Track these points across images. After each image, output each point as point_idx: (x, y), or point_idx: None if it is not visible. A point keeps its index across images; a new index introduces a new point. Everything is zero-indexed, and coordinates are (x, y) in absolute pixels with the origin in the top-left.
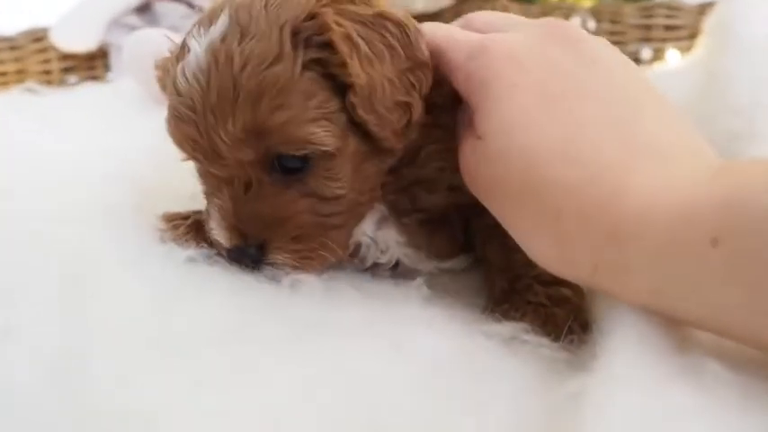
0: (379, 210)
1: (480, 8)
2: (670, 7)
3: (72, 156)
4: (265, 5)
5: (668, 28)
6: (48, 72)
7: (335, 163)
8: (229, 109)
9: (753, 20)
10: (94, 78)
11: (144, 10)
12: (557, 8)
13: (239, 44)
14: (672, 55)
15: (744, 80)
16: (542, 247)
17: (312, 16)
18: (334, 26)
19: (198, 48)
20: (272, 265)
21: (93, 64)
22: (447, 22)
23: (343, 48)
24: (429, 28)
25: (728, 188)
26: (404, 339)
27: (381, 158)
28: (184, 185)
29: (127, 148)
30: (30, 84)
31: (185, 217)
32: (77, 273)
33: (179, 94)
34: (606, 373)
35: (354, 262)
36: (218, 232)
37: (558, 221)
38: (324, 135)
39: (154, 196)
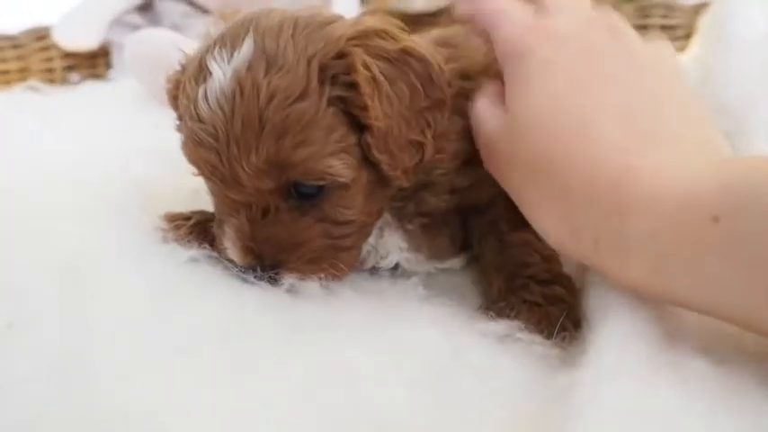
0: (382, 217)
1: None
2: (666, 7)
3: (74, 154)
4: (293, 34)
5: (664, 28)
6: (50, 70)
7: (350, 192)
8: (253, 141)
9: (746, 20)
10: (96, 76)
11: (145, 8)
12: None
13: (266, 75)
14: None
15: (737, 80)
16: (549, 220)
17: (341, 55)
18: (361, 69)
19: (221, 74)
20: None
21: (94, 62)
22: (446, 21)
23: (366, 90)
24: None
25: (732, 173)
26: (401, 338)
27: (391, 185)
28: (186, 184)
29: (128, 147)
30: (32, 82)
31: (187, 217)
32: (79, 271)
33: (200, 119)
34: (594, 368)
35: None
36: (232, 251)
37: (567, 196)
38: (341, 167)
39: (155, 195)
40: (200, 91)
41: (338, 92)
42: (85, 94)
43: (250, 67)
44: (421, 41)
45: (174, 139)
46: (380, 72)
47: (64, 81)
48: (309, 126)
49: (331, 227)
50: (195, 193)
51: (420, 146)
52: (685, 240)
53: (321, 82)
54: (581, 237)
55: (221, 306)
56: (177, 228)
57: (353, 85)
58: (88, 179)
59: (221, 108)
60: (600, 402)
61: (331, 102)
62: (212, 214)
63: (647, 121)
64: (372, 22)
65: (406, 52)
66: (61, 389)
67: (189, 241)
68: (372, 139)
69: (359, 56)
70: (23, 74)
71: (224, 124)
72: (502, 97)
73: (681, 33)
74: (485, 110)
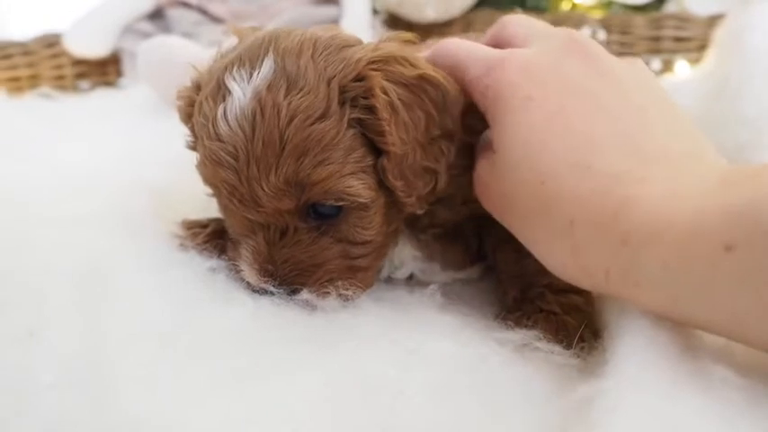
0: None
1: (491, 18)
2: (680, 19)
3: (88, 162)
4: (312, 55)
5: (678, 39)
6: (61, 77)
7: (368, 213)
8: (274, 161)
9: (762, 32)
10: (106, 84)
11: (156, 16)
12: (567, 18)
13: (286, 96)
14: (681, 66)
15: (752, 91)
16: (556, 256)
17: (360, 78)
18: (379, 93)
19: (241, 93)
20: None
21: (105, 70)
22: (457, 31)
23: (384, 115)
24: (452, 43)
25: (740, 197)
26: (419, 346)
27: (406, 209)
28: (200, 191)
29: (141, 154)
30: (44, 89)
31: (204, 225)
32: (98, 279)
33: (219, 139)
34: (616, 377)
35: None
36: (249, 273)
37: (570, 232)
38: (360, 187)
39: (170, 203)
40: (220, 110)
41: (357, 114)
42: (97, 101)
43: (270, 87)
44: (437, 69)
45: (185, 147)
46: (398, 98)
47: (75, 88)
48: (330, 146)
49: (349, 247)
50: (209, 201)
51: (434, 173)
52: (699, 270)
53: (341, 103)
54: (590, 270)
55: (239, 314)
56: (195, 235)
57: (371, 109)
58: (103, 187)
59: (241, 128)
60: (622, 411)
61: (350, 123)
62: None
63: (639, 141)
64: (392, 47)
65: (424, 79)
66: (81, 396)
67: (206, 249)
68: (388, 164)
69: (377, 80)
70: (34, 80)
71: (244, 144)
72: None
73: (694, 45)
74: (477, 153)
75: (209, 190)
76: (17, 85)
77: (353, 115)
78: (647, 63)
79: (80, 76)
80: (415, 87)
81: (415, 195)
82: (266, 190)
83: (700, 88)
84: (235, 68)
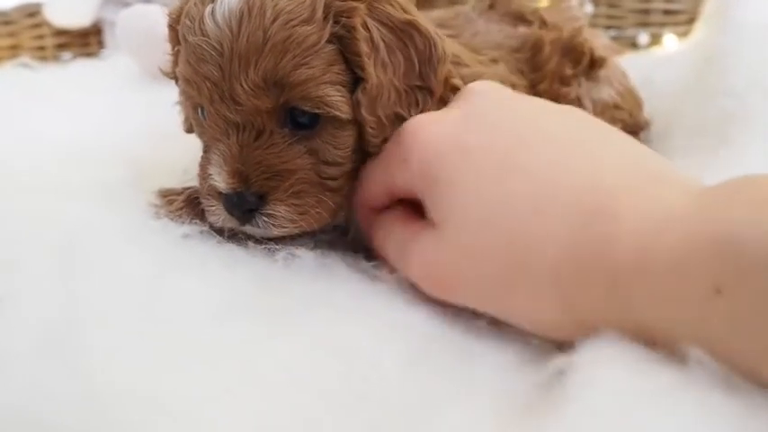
0: None
1: None
2: None
3: (67, 132)
4: None
5: (667, 12)
6: (41, 48)
7: (342, 132)
8: (255, 57)
9: (751, 4)
10: (88, 55)
11: None
12: None
13: None
14: (669, 40)
15: (740, 63)
16: (545, 316)
17: None
18: (360, 28)
19: None
20: (268, 216)
21: (86, 41)
22: (443, 3)
23: (363, 48)
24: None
25: (721, 225)
26: (394, 316)
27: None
28: (178, 161)
29: (121, 125)
30: (25, 59)
31: (179, 193)
32: (73, 247)
33: (205, 35)
34: (590, 352)
35: (347, 240)
36: (219, 177)
37: (557, 282)
38: (339, 99)
39: (148, 172)
40: (208, 10)
41: (338, 30)
42: (78, 72)
43: None
44: (428, 23)
45: (166, 118)
46: (380, 37)
47: (55, 59)
48: (310, 51)
49: (320, 164)
50: (187, 169)
51: (403, 122)
52: (690, 313)
53: (325, 17)
54: (587, 322)
55: (215, 283)
56: (169, 203)
57: (352, 29)
58: (82, 157)
59: (228, 25)
60: (595, 385)
61: (330, 39)
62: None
63: (599, 172)
64: None
65: (412, 25)
66: (56, 364)
67: (180, 216)
68: (364, 96)
69: (361, 14)
70: (14, 51)
71: (229, 40)
72: (408, 222)
73: (683, 18)
74: (408, 236)
75: (185, 163)
76: None
77: (335, 30)
78: (634, 36)
79: (61, 46)
80: (401, 32)
81: (382, 138)
82: (245, 86)
83: (687, 61)
84: None
